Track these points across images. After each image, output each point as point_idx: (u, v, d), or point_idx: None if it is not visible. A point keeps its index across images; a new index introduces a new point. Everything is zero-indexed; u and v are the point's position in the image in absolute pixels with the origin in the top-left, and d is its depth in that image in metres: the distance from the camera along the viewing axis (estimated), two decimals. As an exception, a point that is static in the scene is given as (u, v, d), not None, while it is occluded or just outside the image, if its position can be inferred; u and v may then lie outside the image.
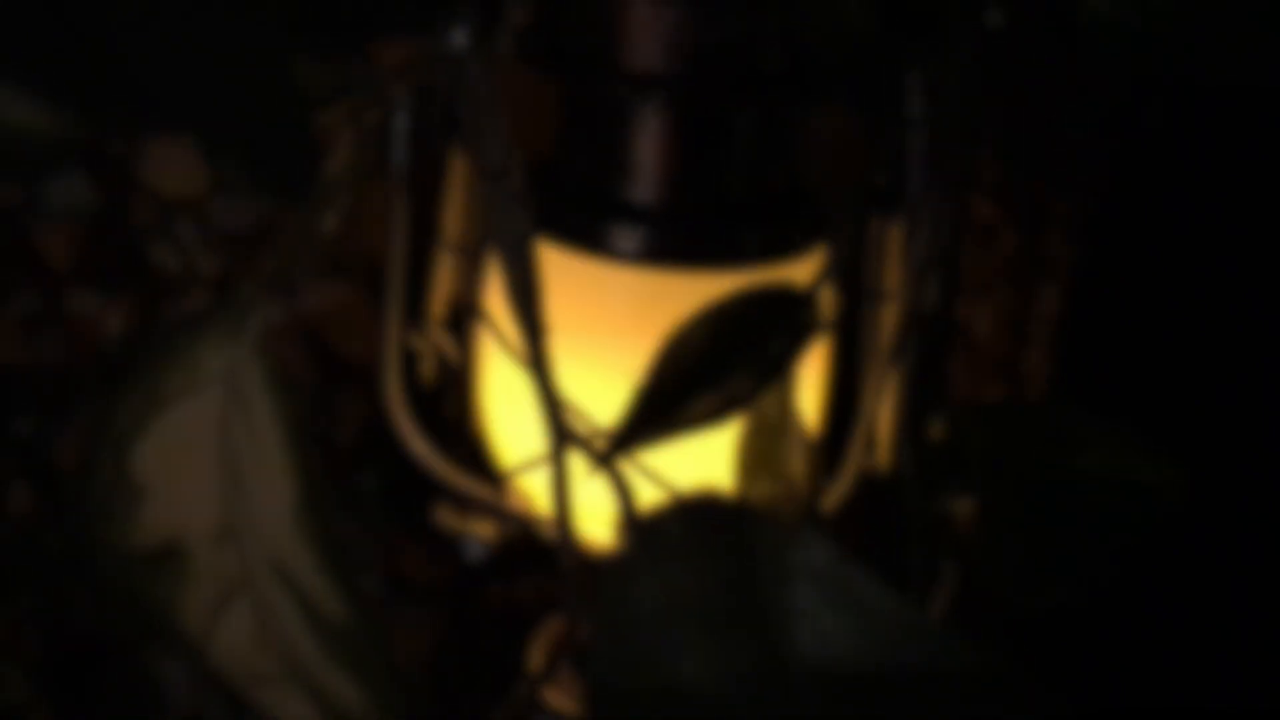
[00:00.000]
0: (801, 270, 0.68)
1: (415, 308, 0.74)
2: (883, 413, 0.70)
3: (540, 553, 0.70)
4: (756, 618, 0.34)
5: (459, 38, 0.47)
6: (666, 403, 0.52)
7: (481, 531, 0.78)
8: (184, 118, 0.36)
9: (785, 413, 0.62)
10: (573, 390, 0.65)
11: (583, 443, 0.46)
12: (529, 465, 0.65)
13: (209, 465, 0.43)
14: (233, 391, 0.43)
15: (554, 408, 0.46)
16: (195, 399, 0.43)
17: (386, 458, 0.80)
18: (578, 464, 0.58)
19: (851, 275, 0.71)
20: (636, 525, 0.39)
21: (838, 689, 0.33)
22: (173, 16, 0.36)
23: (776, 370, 0.53)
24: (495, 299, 0.70)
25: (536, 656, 0.75)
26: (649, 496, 0.65)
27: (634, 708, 0.33)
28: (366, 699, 0.42)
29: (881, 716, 0.34)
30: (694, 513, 0.35)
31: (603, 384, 0.65)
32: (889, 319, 0.70)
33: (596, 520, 0.66)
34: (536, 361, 0.46)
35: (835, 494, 0.71)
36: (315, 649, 0.43)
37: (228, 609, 0.43)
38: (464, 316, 0.74)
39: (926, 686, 0.33)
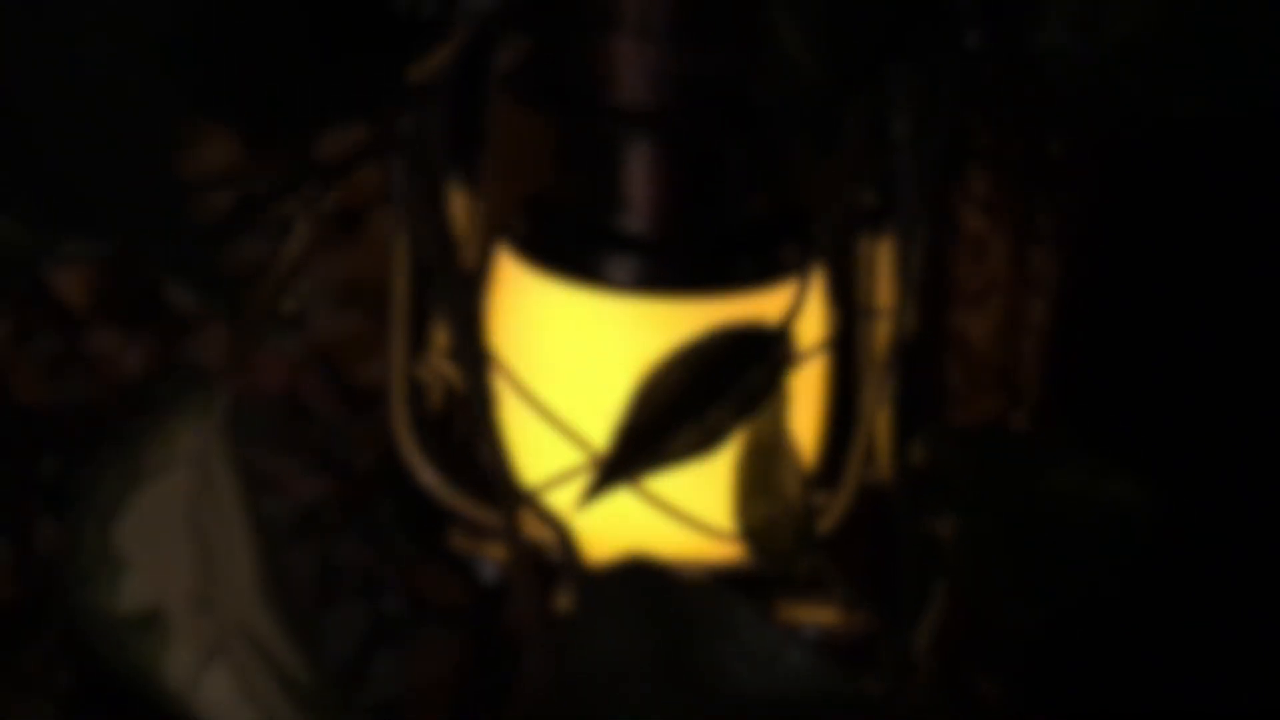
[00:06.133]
0: (793, 292, 0.69)
1: (422, 337, 0.75)
2: (880, 427, 0.71)
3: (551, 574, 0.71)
4: (690, 673, 0.35)
5: (405, 127, 0.48)
6: (647, 438, 0.53)
7: (494, 554, 0.79)
8: (96, 221, 0.37)
9: (779, 435, 0.63)
10: (572, 419, 0.67)
11: (531, 500, 0.48)
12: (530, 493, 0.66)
13: (184, 538, 0.45)
14: (202, 470, 0.45)
15: (505, 474, 0.48)
16: (170, 476, 0.45)
17: (404, 480, 0.81)
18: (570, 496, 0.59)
19: (846, 292, 0.72)
20: (584, 588, 0.41)
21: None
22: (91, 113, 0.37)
23: (755, 403, 0.55)
24: (497, 329, 0.72)
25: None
26: (646, 520, 0.66)
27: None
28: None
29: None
30: (631, 577, 0.37)
31: (601, 412, 0.66)
32: (883, 334, 0.71)
33: (597, 541, 0.67)
34: (488, 433, 0.47)
35: (834, 510, 0.72)
36: (291, 711, 0.45)
37: (209, 669, 0.45)
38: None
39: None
